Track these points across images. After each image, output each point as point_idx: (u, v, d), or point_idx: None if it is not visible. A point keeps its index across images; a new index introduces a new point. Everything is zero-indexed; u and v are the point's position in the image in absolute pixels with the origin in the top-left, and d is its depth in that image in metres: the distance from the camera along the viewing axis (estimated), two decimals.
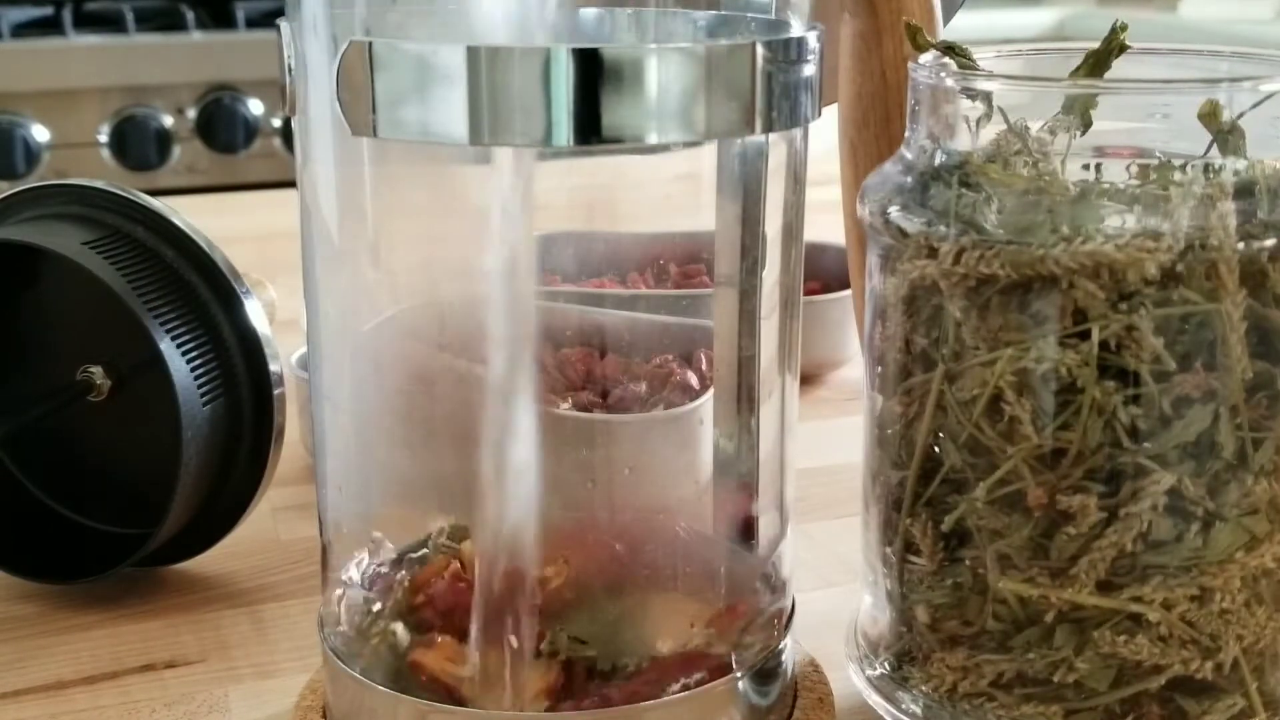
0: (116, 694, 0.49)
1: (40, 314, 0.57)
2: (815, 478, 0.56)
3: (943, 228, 0.40)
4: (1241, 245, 0.37)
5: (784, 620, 0.44)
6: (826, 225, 0.67)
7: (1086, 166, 0.39)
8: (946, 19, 0.51)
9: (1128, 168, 0.39)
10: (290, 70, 0.38)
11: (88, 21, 1.65)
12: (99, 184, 0.55)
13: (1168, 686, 0.40)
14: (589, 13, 0.38)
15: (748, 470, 0.44)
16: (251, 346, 0.53)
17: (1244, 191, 0.38)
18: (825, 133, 0.47)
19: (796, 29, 0.38)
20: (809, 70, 0.38)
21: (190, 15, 1.65)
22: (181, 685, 0.50)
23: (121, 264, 0.52)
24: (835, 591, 0.54)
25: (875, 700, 0.45)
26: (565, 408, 0.39)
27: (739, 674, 0.41)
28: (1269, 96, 0.38)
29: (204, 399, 0.52)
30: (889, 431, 0.43)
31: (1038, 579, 0.40)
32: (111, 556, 0.55)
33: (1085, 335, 0.38)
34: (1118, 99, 0.40)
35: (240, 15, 1.67)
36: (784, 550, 0.43)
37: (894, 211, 0.42)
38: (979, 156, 0.41)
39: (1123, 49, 0.42)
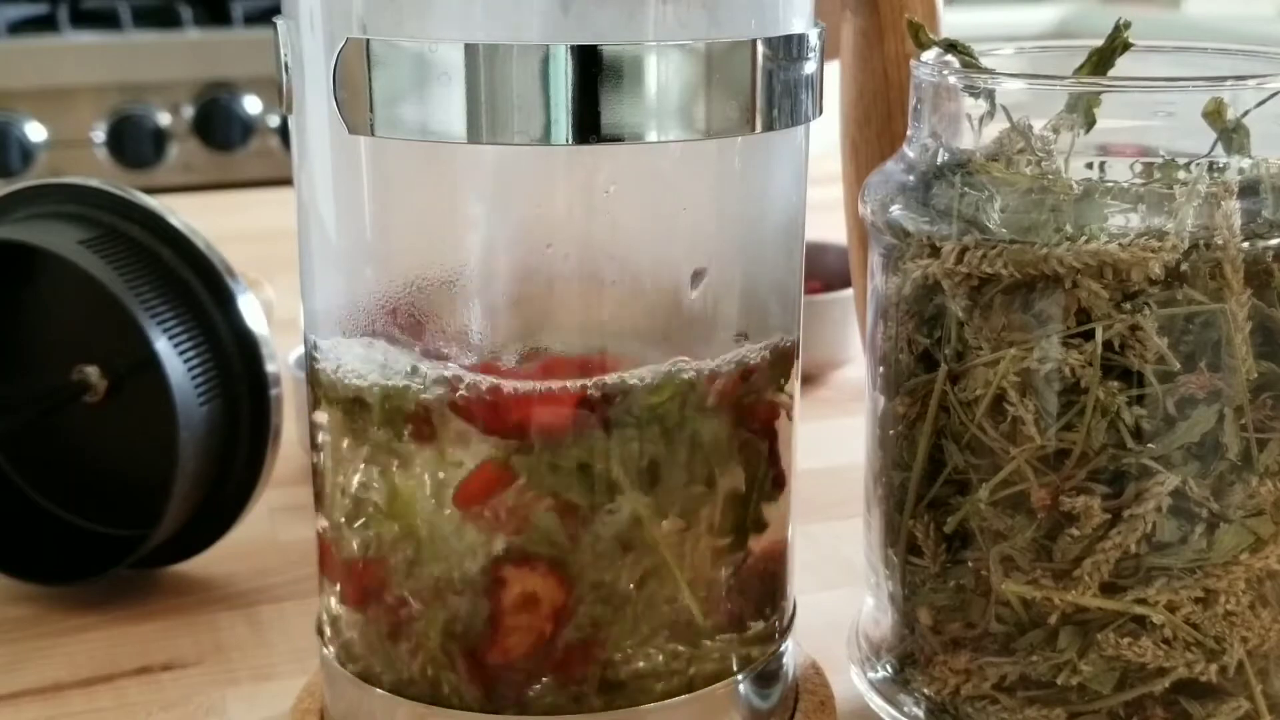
0: (113, 696, 0.49)
1: (36, 314, 0.56)
2: (817, 478, 0.55)
3: (945, 227, 0.40)
4: (1246, 244, 0.37)
5: (785, 622, 0.43)
6: (827, 225, 0.67)
7: (1090, 165, 0.39)
8: None
9: (1132, 166, 0.39)
10: (287, 68, 0.38)
11: (83, 19, 1.64)
12: (95, 182, 0.54)
13: (1172, 689, 0.40)
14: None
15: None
16: (249, 346, 0.53)
17: (1249, 190, 0.38)
18: (826, 131, 0.47)
19: (797, 26, 0.38)
20: (810, 68, 0.38)
21: (187, 12, 1.65)
22: (178, 688, 0.50)
23: (118, 263, 0.51)
24: (837, 593, 0.54)
25: (877, 703, 0.45)
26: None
27: (740, 676, 0.41)
28: (1273, 95, 0.38)
29: (201, 399, 0.51)
30: (891, 432, 0.43)
31: (1041, 581, 0.40)
32: (107, 558, 0.55)
33: (1089, 335, 0.38)
34: (1122, 97, 0.40)
35: (237, 12, 1.67)
36: (786, 552, 0.43)
37: (896, 210, 0.41)
38: (982, 155, 0.40)
39: (1126, 46, 0.41)
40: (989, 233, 0.39)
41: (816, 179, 0.43)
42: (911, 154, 0.43)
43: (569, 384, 0.37)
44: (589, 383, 0.37)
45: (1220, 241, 0.37)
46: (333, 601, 0.42)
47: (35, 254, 0.53)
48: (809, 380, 0.77)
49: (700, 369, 0.38)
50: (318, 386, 0.40)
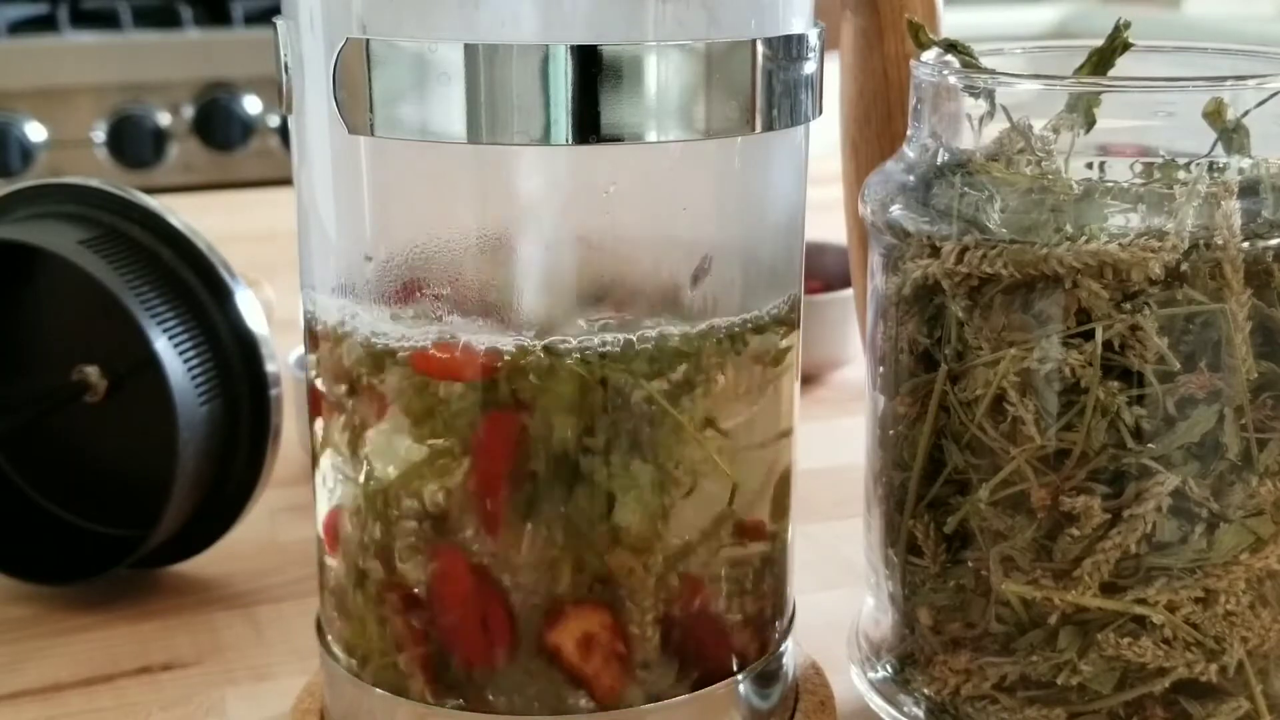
0: (113, 696, 0.49)
1: (36, 314, 0.56)
2: (817, 478, 0.56)
3: (945, 227, 0.40)
4: (1246, 244, 0.37)
5: (785, 622, 0.43)
6: (827, 225, 0.67)
7: (1090, 165, 0.39)
8: None
9: (1132, 166, 0.39)
10: (287, 68, 0.38)
11: (83, 19, 1.64)
12: (95, 182, 0.54)
13: (1172, 689, 0.40)
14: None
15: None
16: (248, 346, 0.53)
17: (1249, 190, 0.38)
18: (826, 131, 0.47)
19: (797, 26, 0.38)
20: (809, 68, 0.38)
21: (187, 12, 1.65)
22: (178, 688, 0.50)
23: (118, 263, 0.51)
24: (837, 593, 0.54)
25: (877, 703, 0.45)
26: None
27: (740, 676, 0.41)
28: (1273, 95, 0.38)
29: (201, 399, 0.51)
30: (891, 432, 0.43)
31: (1041, 581, 0.40)
32: (107, 558, 0.55)
33: (1089, 335, 0.38)
34: (1122, 97, 0.40)
35: (237, 12, 1.67)
36: (785, 552, 0.43)
37: (896, 210, 0.41)
38: (982, 155, 0.40)
39: (1126, 47, 0.41)
40: (989, 233, 0.39)
41: (816, 179, 0.43)
42: (911, 154, 0.43)
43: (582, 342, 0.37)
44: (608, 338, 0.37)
45: (1220, 241, 0.37)
46: (330, 600, 0.42)
47: (35, 254, 0.53)
48: (809, 380, 0.77)
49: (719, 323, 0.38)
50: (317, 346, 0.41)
